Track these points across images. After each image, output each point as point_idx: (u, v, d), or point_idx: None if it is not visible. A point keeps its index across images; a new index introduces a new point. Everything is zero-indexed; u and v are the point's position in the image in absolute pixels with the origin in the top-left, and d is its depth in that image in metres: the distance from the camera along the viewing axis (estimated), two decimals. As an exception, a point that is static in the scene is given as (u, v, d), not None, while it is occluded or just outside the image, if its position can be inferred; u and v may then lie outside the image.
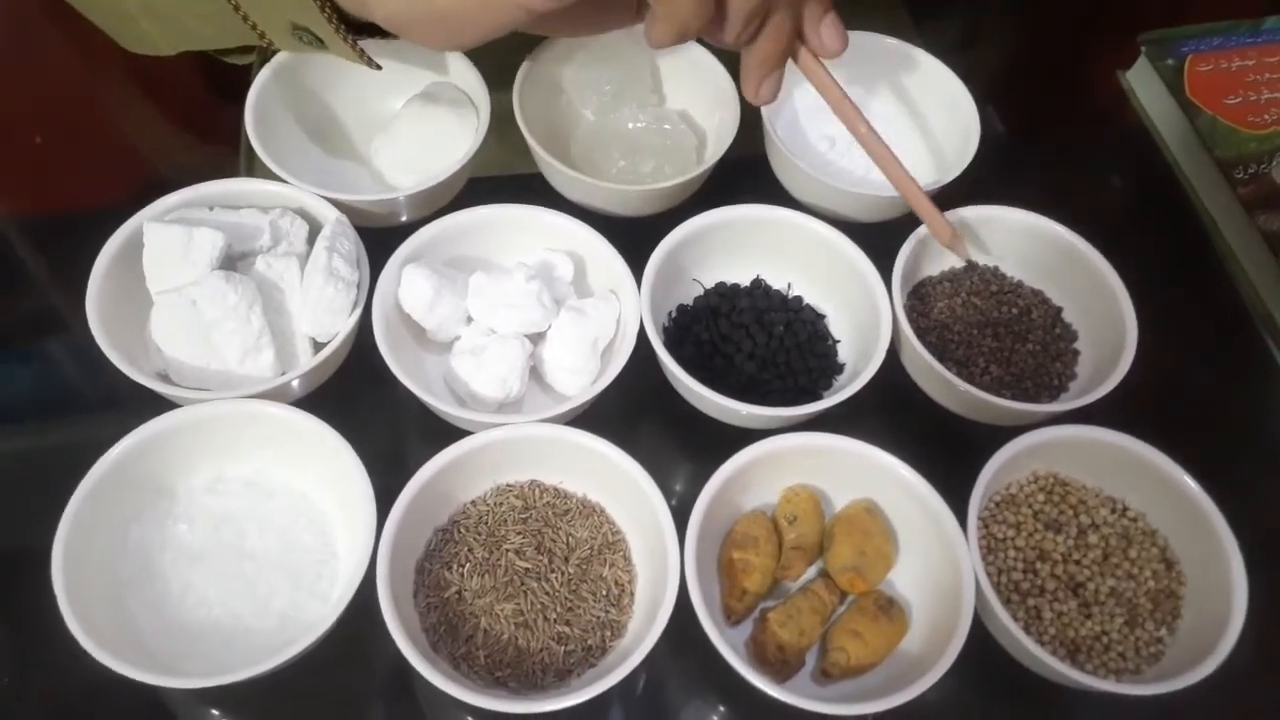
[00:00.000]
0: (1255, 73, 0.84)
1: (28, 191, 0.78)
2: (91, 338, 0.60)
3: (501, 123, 0.71)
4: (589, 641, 0.58)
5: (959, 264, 0.73)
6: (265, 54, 0.71)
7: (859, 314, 0.69)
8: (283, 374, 0.62)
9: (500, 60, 0.72)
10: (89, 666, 0.52)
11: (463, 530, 0.61)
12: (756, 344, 0.67)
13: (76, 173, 0.77)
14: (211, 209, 0.65)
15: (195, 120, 0.82)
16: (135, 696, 0.56)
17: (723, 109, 0.74)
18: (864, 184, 0.75)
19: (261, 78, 0.70)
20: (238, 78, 0.72)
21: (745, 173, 0.74)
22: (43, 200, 0.77)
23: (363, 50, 0.64)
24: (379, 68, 0.66)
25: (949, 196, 0.71)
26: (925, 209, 0.67)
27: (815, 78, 0.64)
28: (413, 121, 0.72)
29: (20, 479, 0.64)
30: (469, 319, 0.67)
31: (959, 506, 0.60)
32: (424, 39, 0.61)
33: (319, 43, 0.63)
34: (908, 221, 0.70)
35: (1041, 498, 0.63)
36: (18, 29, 0.82)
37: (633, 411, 0.68)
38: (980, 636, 0.58)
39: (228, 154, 0.76)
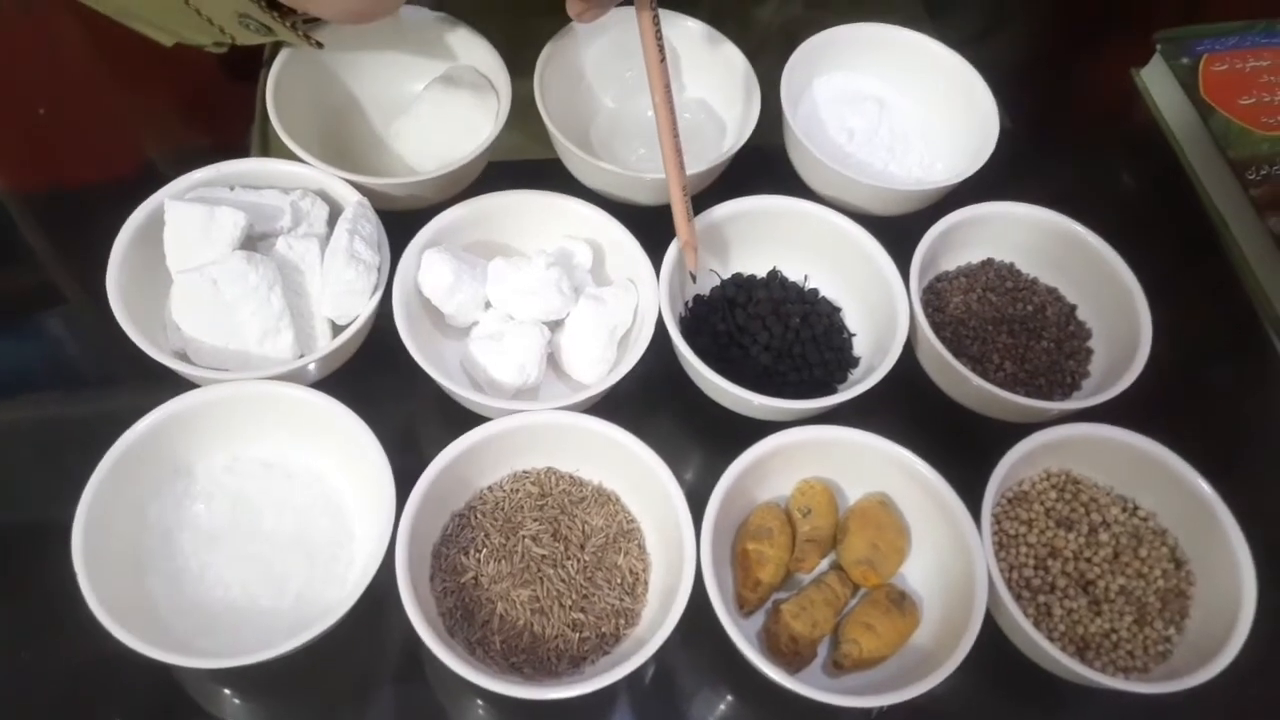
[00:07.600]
0: (1270, 73, 0.84)
1: (44, 168, 0.77)
2: (112, 315, 0.60)
3: (521, 108, 0.71)
4: (603, 629, 0.59)
5: (975, 260, 0.73)
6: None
7: (875, 307, 0.69)
8: (301, 356, 0.62)
9: (521, 46, 0.72)
10: (107, 643, 0.52)
11: (479, 516, 0.61)
12: (773, 335, 0.67)
13: (90, 150, 0.77)
14: (233, 189, 0.65)
15: (208, 102, 0.81)
16: (151, 674, 0.57)
17: (743, 100, 0.74)
18: (882, 177, 0.75)
19: (281, 59, 0.70)
20: (251, 59, 0.72)
21: (764, 164, 0.74)
22: (59, 177, 0.77)
23: (306, 34, 0.64)
24: (320, 45, 0.66)
25: (964, 191, 0.71)
26: (678, 203, 0.66)
27: (643, 26, 0.62)
28: (433, 104, 0.72)
29: (40, 456, 0.64)
30: (488, 305, 0.67)
31: (971, 502, 0.60)
32: (322, 10, 0.59)
33: (266, 29, 0.63)
34: (925, 215, 0.70)
35: (1054, 495, 0.64)
36: (38, 11, 0.82)
37: (649, 401, 0.68)
38: (990, 631, 0.58)
39: (241, 136, 0.75)
